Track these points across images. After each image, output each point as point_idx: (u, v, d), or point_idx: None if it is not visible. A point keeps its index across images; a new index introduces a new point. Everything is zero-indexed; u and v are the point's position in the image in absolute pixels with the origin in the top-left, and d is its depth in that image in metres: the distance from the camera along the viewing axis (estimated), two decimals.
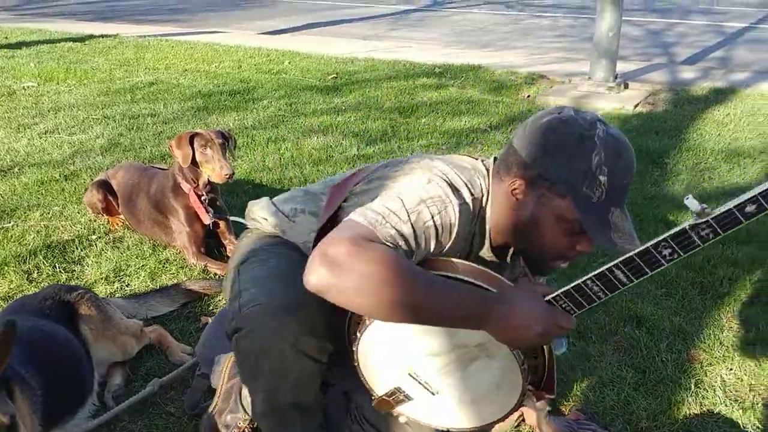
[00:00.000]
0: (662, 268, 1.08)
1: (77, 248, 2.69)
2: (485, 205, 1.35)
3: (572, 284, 1.15)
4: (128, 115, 4.50)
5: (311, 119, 4.46)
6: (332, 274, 1.10)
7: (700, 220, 1.00)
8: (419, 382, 1.32)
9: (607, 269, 1.10)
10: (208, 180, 2.63)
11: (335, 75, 5.80)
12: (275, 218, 1.55)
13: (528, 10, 13.45)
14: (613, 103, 4.98)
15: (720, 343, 2.10)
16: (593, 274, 1.12)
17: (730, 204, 0.97)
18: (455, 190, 1.29)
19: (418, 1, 14.59)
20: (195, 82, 5.54)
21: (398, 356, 1.30)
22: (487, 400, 1.32)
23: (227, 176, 2.55)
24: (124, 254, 2.65)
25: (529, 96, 5.25)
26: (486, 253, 1.40)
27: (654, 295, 2.35)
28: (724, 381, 1.93)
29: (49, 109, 4.71)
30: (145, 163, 3.18)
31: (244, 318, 1.30)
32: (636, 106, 4.91)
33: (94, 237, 2.80)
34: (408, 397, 1.35)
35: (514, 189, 1.31)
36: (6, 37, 7.74)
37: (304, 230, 1.50)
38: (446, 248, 1.31)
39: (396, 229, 1.19)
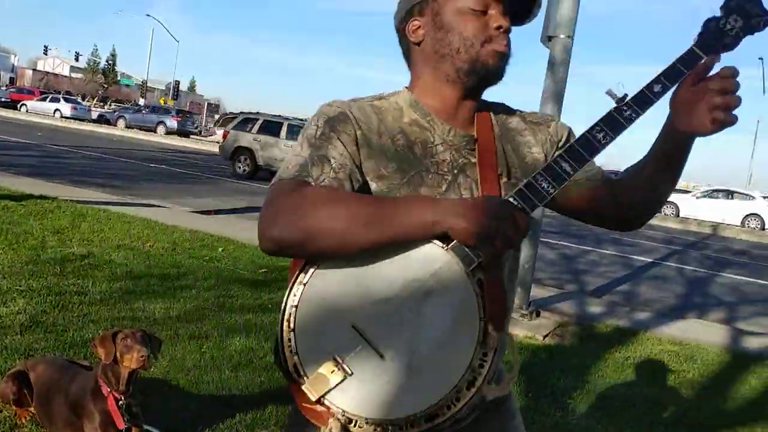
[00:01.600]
0: (600, 151, 1.19)
1: None
2: (405, 92, 1.34)
3: (522, 183, 1.18)
4: (55, 290, 4.51)
5: (237, 316, 4.56)
6: (285, 230, 1.10)
7: (622, 104, 1.17)
8: (363, 337, 1.10)
9: (552, 161, 1.18)
10: (128, 378, 2.67)
11: (266, 269, 5.99)
12: None
13: None
14: (525, 330, 5.29)
15: None
16: (540, 169, 1.18)
17: (642, 86, 1.17)
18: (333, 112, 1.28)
19: None
20: (128, 260, 5.62)
21: (338, 310, 1.13)
22: (442, 355, 1.11)
23: (142, 358, 2.60)
24: None
25: None
26: (447, 134, 1.30)
27: None
28: None
29: None
30: (68, 358, 3.19)
31: None
32: (545, 336, 5.22)
33: None
34: (347, 370, 1.09)
35: (411, 37, 1.31)
36: None
37: None
38: (378, 133, 1.26)
39: (299, 161, 1.18)
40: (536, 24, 5.75)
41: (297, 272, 1.15)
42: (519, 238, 1.11)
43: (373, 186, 1.23)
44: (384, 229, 1.08)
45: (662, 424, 3.74)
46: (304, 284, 1.13)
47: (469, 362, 1.09)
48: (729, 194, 26.60)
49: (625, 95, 1.18)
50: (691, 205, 26.34)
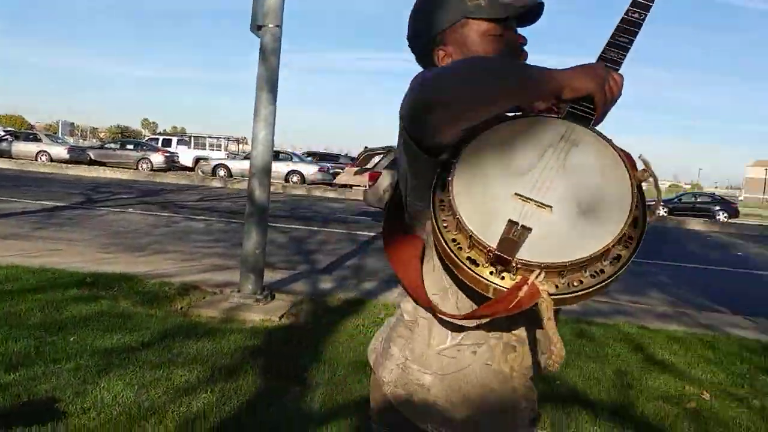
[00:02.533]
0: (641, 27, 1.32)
1: None
2: None
3: (605, 44, 1.31)
4: None
5: None
6: (434, 86, 1.12)
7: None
8: (529, 200, 1.14)
9: (624, 15, 1.32)
10: None
11: None
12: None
13: (182, 212, 13.92)
14: (260, 314, 5.38)
15: None
16: (606, 44, 1.31)
17: None
18: None
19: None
20: None
21: (495, 189, 1.16)
22: (604, 192, 1.16)
23: None
24: None
25: (182, 308, 5.43)
26: None
27: None
28: None
29: None
30: None
31: None
32: (281, 317, 5.37)
33: None
34: (525, 228, 1.10)
35: (441, 65, 1.38)
36: None
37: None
38: None
39: None
40: (246, 12, 5.83)
41: (432, 190, 1.19)
42: (620, 91, 1.26)
43: None
44: (524, 85, 1.17)
45: None
46: (451, 184, 1.15)
47: (631, 198, 1.14)
48: None
49: None
50: None
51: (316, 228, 12.93)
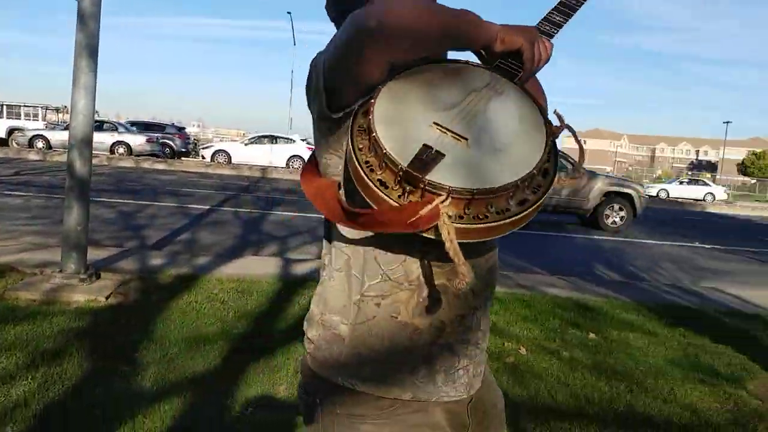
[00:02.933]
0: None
1: None
2: None
3: (542, 18, 1.40)
4: None
5: None
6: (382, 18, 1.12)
7: None
8: (447, 131, 1.17)
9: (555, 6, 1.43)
10: None
11: None
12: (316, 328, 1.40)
13: None
14: (85, 294, 5.10)
15: None
16: (551, 8, 1.41)
17: None
18: None
19: None
20: None
21: (415, 116, 1.20)
22: (520, 138, 1.21)
23: None
24: None
25: None
26: None
27: None
28: None
29: None
30: None
31: None
32: (108, 297, 5.12)
33: None
34: (439, 154, 1.12)
35: None
36: None
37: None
38: None
39: None
40: None
41: (353, 116, 1.21)
42: (549, 56, 1.33)
43: None
44: (462, 28, 1.21)
45: (217, 353, 4.03)
46: (372, 106, 1.17)
47: (545, 146, 1.19)
48: (274, 139, 28.80)
49: None
50: (241, 152, 27.90)
51: (145, 202, 12.39)
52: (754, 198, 38.33)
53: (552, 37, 1.37)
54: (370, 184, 1.13)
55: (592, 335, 5.16)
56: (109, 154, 25.49)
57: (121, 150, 26.11)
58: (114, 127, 27.37)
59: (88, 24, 5.29)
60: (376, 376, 1.31)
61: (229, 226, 10.31)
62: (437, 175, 1.09)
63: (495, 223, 1.12)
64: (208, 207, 12.44)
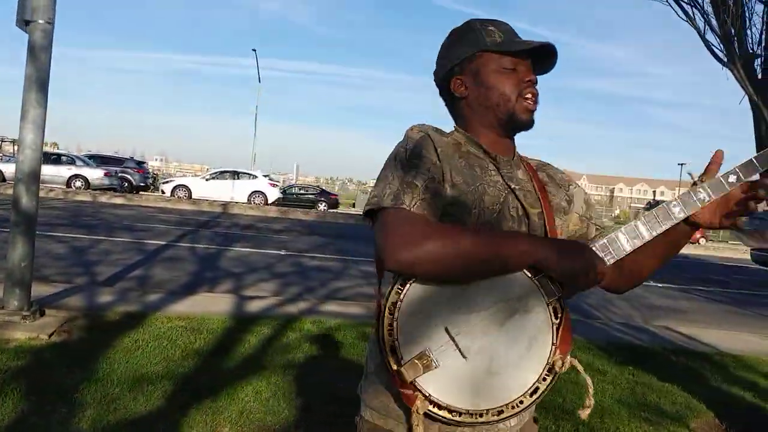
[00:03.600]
0: (673, 223, 1.41)
1: None
2: (459, 131, 1.59)
3: (606, 237, 1.41)
4: None
5: None
6: (413, 252, 1.26)
7: (698, 186, 1.42)
8: (452, 340, 1.30)
9: (632, 224, 1.41)
10: None
11: None
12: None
13: None
14: (27, 332, 4.97)
15: None
16: (623, 228, 1.41)
17: (719, 175, 1.41)
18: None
19: None
20: None
21: (437, 311, 1.31)
22: (517, 367, 1.31)
23: None
24: None
25: None
26: (498, 163, 1.55)
27: None
28: None
29: None
30: None
31: None
32: (51, 335, 5.00)
33: None
34: (435, 362, 1.29)
35: (456, 93, 1.57)
36: None
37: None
38: (451, 172, 1.45)
39: (393, 190, 1.36)
40: (12, 5, 5.38)
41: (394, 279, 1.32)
42: (595, 283, 1.34)
43: (448, 191, 1.42)
44: (486, 264, 1.29)
45: (161, 393, 3.95)
46: (405, 287, 1.31)
47: (537, 376, 1.31)
48: (236, 174, 28.69)
49: (702, 179, 1.42)
50: (202, 187, 27.71)
51: (99, 237, 12.19)
52: (709, 237, 39.24)
53: (622, 255, 1.42)
54: (383, 345, 1.32)
55: None
56: (65, 187, 25.08)
57: (79, 183, 25.71)
58: (71, 160, 26.98)
59: (38, 57, 5.24)
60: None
61: (185, 262, 10.17)
62: (425, 379, 1.29)
63: (462, 424, 1.32)
64: (164, 242, 12.27)
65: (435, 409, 1.29)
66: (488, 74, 1.53)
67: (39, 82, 5.28)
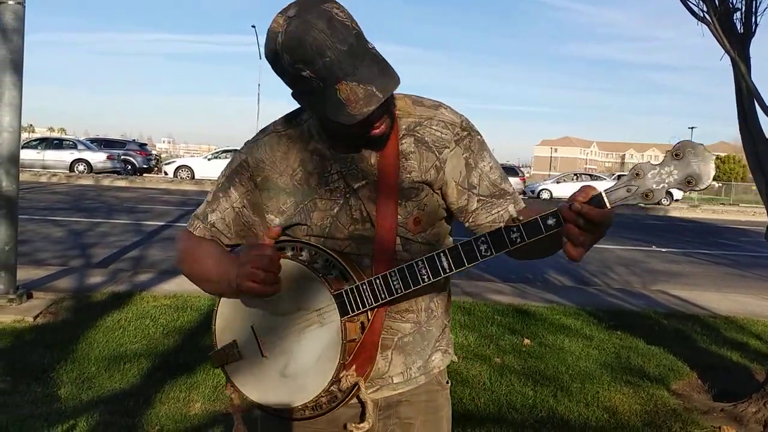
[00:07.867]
0: (477, 262, 1.24)
1: None
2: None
3: (399, 267, 1.30)
4: None
5: None
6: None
7: (512, 225, 1.20)
8: (256, 338, 1.40)
9: (435, 254, 1.26)
10: None
11: None
12: None
13: None
14: (13, 315, 5.01)
15: None
16: (422, 258, 1.27)
17: (537, 216, 1.18)
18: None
19: None
20: None
21: (249, 310, 1.42)
22: (305, 375, 1.36)
23: None
24: None
25: None
26: (344, 163, 1.40)
27: None
28: None
29: None
30: None
31: None
32: (36, 317, 5.03)
33: None
34: (239, 355, 1.43)
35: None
36: None
37: None
38: (279, 172, 1.43)
39: (198, 210, 1.53)
40: None
41: None
42: (265, 276, 1.31)
43: (275, 220, 1.43)
44: (214, 286, 1.45)
45: (137, 371, 3.97)
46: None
47: (320, 390, 1.34)
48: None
49: (518, 216, 1.21)
50: (204, 167, 27.70)
51: (99, 220, 12.23)
52: (719, 201, 38.89)
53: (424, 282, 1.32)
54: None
55: (527, 341, 5.17)
56: (68, 172, 25.14)
57: (81, 168, 25.74)
58: (73, 145, 26.99)
59: (11, 39, 5.22)
60: None
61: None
62: (232, 368, 1.44)
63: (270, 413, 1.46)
64: (163, 223, 12.29)
65: (239, 399, 1.46)
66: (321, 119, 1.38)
67: (13, 64, 5.26)
